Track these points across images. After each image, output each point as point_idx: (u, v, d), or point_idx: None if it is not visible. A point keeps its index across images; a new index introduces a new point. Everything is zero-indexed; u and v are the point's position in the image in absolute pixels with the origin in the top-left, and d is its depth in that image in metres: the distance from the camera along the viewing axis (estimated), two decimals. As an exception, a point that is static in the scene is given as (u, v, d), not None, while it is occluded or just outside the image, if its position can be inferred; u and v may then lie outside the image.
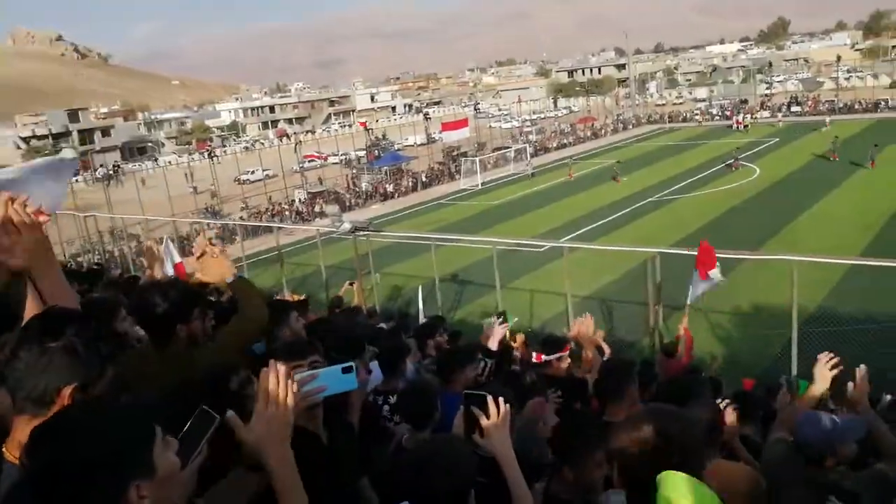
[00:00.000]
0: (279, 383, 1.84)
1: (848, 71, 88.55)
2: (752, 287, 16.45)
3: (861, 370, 3.65)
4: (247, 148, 72.51)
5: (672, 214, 29.01)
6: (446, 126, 51.36)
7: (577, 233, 26.91)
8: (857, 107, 61.52)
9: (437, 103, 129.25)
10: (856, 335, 12.40)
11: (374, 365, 4.36)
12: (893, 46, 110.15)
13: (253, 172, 54.13)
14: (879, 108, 60.19)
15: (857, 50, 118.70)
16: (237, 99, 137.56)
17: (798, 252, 12.44)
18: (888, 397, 7.31)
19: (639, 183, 36.92)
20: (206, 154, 48.05)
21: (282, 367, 1.88)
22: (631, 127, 69.80)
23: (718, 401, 4.10)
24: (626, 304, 15.64)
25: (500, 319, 7.05)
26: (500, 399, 2.47)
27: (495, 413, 2.42)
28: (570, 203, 34.05)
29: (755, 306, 15.63)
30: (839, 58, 77.88)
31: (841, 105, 62.79)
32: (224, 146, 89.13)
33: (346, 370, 2.19)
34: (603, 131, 66.42)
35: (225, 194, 44.96)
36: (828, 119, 52.94)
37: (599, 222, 28.79)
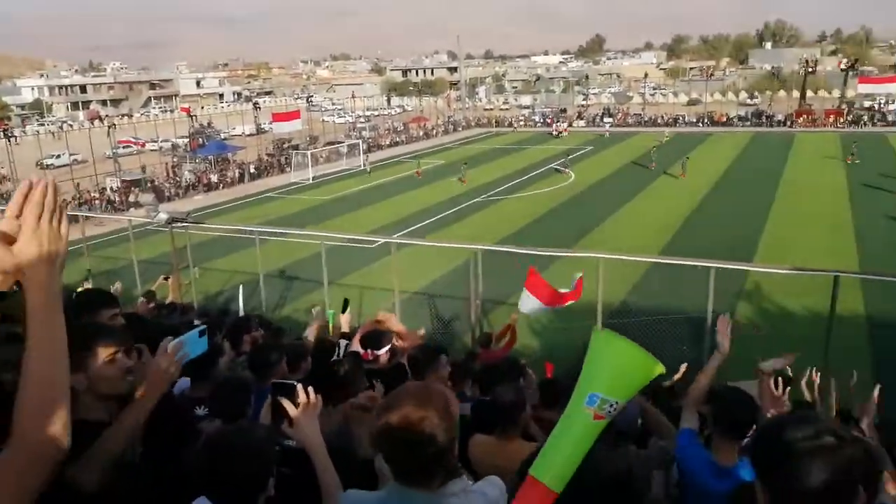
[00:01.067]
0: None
1: (653, 87, 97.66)
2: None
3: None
4: (51, 131, 65.63)
5: (497, 214, 30.34)
6: (277, 117, 49.86)
7: (409, 230, 27.29)
8: (659, 121, 67.98)
9: (269, 93, 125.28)
10: (653, 326, 13.71)
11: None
12: (691, 68, 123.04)
13: (58, 157, 49.21)
14: (678, 122, 66.98)
15: (661, 69, 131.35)
16: (42, 75, 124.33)
17: (605, 250, 13.52)
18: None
19: (467, 183, 38.25)
20: (1, 134, 42.74)
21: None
22: (461, 129, 72.06)
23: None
24: (453, 299, 16.09)
25: (343, 308, 7.01)
26: (310, 389, 2.44)
27: (304, 402, 2.39)
28: (403, 200, 34.48)
29: (568, 301, 16.75)
30: (646, 75, 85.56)
31: (646, 118, 69.06)
32: (24, 126, 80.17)
33: (202, 333, 2.43)
34: (435, 132, 67.94)
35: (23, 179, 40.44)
36: (666, 131, 58.17)
37: (431, 219, 29.43)
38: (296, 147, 50.76)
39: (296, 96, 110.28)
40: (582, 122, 70.57)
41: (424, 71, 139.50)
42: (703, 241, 23.79)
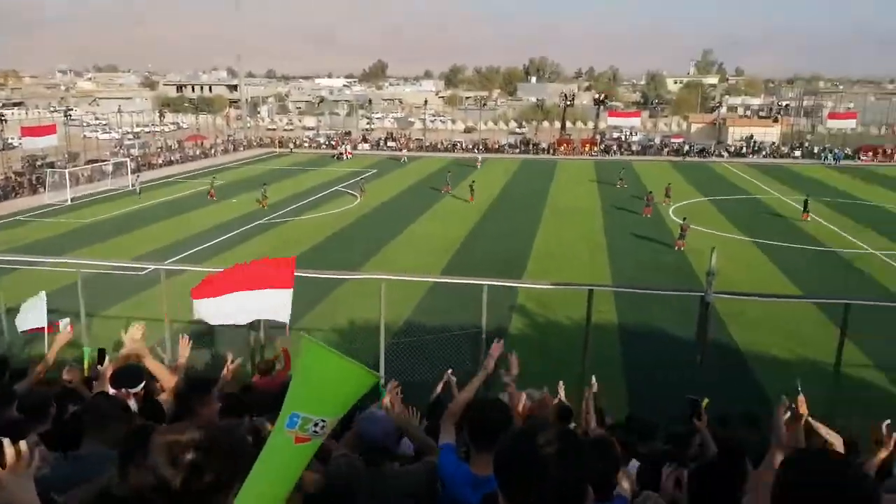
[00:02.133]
0: None
1: (433, 114, 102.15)
2: (352, 305, 17.66)
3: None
4: None
5: (280, 237, 29.61)
6: (27, 131, 44.45)
7: (186, 254, 25.67)
8: (439, 146, 71.17)
9: (18, 104, 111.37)
10: (435, 343, 14.15)
11: None
12: (467, 97, 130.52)
13: None
14: (456, 148, 70.63)
15: (440, 97, 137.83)
16: None
17: (391, 271, 13.77)
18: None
19: (251, 204, 36.95)
20: None
21: None
22: (242, 148, 69.59)
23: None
24: (232, 328, 15.34)
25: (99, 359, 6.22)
26: (22, 443, 2.14)
27: (12, 460, 2.08)
28: (179, 223, 32.36)
29: (352, 322, 16.79)
30: (426, 102, 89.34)
31: (427, 144, 71.93)
32: None
33: None
34: (213, 151, 64.88)
35: None
36: (480, 157, 59.82)
37: (211, 242, 27.94)
38: (51, 165, 45.57)
39: (52, 109, 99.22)
40: (366, 146, 71.64)
41: (202, 87, 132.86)
42: (480, 259, 25.21)
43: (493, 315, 14.09)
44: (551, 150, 67.81)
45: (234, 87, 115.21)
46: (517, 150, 69.27)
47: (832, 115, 74.98)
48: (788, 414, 3.35)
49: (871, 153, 63.13)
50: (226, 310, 9.03)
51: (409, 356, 12.43)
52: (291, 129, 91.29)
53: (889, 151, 63.09)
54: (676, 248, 27.19)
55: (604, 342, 16.40)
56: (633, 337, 17.32)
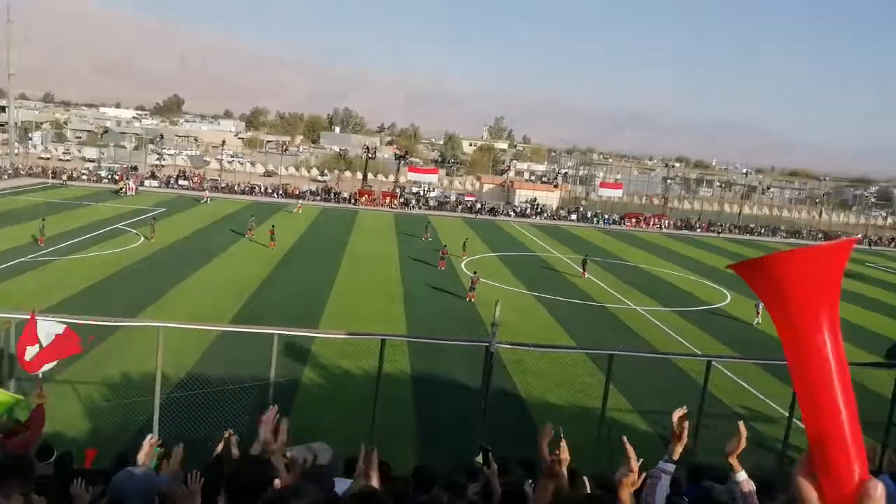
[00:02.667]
0: None
1: (232, 155, 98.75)
2: (126, 355, 16.17)
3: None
4: None
5: (47, 277, 26.52)
6: None
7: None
8: (236, 188, 68.74)
9: None
10: (217, 397, 13.33)
11: None
12: (268, 141, 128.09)
13: None
14: (254, 191, 68.66)
15: (240, 138, 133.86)
16: None
17: (173, 319, 12.83)
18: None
19: (16, 239, 32.74)
20: None
21: None
22: (7, 177, 61.94)
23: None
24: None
25: None
26: None
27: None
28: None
29: (125, 374, 15.35)
30: (224, 142, 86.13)
31: (223, 185, 69.16)
32: None
33: None
34: (-31, 177, 56.96)
35: None
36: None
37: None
38: None
39: None
40: (155, 183, 67.20)
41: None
42: (275, 307, 24.46)
43: (285, 365, 13.66)
44: (353, 200, 68.42)
45: (2, 109, 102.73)
46: (318, 198, 68.98)
47: (603, 185, 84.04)
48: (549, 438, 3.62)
49: (633, 220, 71.46)
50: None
51: (189, 410, 11.58)
52: (68, 160, 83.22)
53: (647, 218, 71.94)
54: (468, 299, 28.47)
55: (397, 391, 16.56)
56: (426, 385, 17.69)
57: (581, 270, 37.21)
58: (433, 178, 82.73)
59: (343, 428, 13.14)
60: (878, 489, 0.97)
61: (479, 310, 26.75)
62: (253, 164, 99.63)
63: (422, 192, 76.38)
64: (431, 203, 72.16)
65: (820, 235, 74.78)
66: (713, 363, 12.96)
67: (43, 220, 35.15)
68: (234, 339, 16.91)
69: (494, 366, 12.33)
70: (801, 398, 1.29)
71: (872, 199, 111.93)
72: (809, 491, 1.04)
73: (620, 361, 13.07)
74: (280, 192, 68.55)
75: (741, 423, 3.53)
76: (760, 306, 29.10)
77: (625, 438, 3.46)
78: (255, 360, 13.79)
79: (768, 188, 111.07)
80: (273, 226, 39.99)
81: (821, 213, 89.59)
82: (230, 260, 33.46)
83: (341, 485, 6.39)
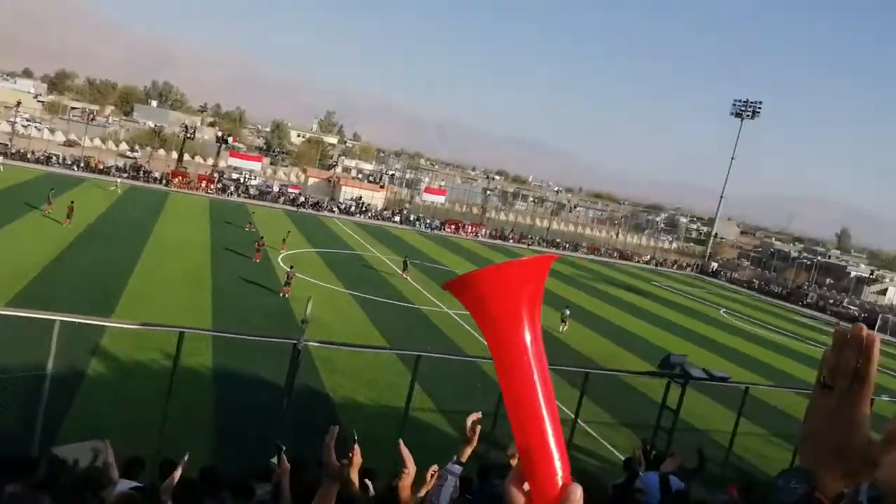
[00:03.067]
0: None
1: (28, 119, 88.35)
2: None
3: None
4: None
5: None
6: None
7: None
8: (29, 156, 61.65)
9: None
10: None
11: None
12: (73, 108, 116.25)
13: None
14: (51, 161, 61.97)
15: (40, 101, 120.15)
16: None
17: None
18: None
19: None
20: None
21: None
22: None
23: None
24: None
25: None
26: None
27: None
28: None
29: None
30: (19, 103, 76.76)
31: (13, 151, 61.74)
32: None
33: None
34: None
35: None
36: (118, 180, 55.69)
37: None
38: None
39: None
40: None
41: None
42: (63, 290, 22.25)
43: (67, 356, 12.45)
44: (164, 181, 64.08)
45: None
46: (125, 175, 63.83)
47: (428, 190, 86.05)
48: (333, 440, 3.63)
49: (453, 226, 73.85)
50: None
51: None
52: None
53: (465, 226, 74.73)
54: (282, 294, 27.77)
55: (196, 387, 15.73)
56: (229, 382, 16.99)
57: (401, 271, 37.81)
58: (256, 165, 79.84)
59: (131, 425, 12.25)
60: (577, 493, 1.08)
61: (293, 306, 26.21)
62: (52, 131, 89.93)
63: (242, 180, 73.39)
64: (252, 192, 69.59)
65: (615, 253, 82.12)
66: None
67: None
68: (4, 326, 15.12)
69: (302, 364, 12.13)
70: (510, 412, 1.36)
71: (661, 225, 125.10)
72: (517, 497, 1.13)
73: (429, 363, 13.44)
74: (82, 164, 62.48)
75: (469, 420, 3.74)
76: (567, 313, 31.61)
77: (401, 442, 3.55)
78: (32, 349, 12.43)
79: (575, 206, 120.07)
80: (72, 201, 36.36)
81: (618, 233, 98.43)
82: (12, 237, 29.92)
83: (122, 486, 5.96)
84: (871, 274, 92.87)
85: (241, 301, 25.97)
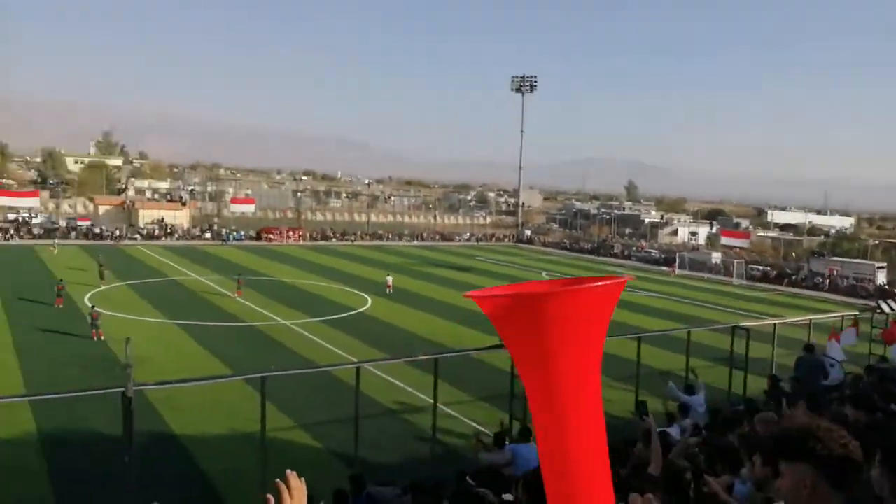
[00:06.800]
0: None
1: None
2: None
3: None
4: None
5: None
6: None
7: None
8: None
9: None
10: None
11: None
12: None
13: None
14: None
15: None
16: None
17: None
18: None
19: None
20: None
21: None
22: None
23: None
24: None
25: None
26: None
27: None
28: None
29: None
30: None
31: None
32: None
33: None
34: None
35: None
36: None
37: None
38: None
39: None
40: None
41: None
42: None
43: None
44: (-77, 235, 55.56)
45: None
46: None
47: (234, 200, 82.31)
48: None
49: (270, 234, 71.33)
50: None
51: None
52: None
53: (283, 232, 72.64)
54: (94, 338, 25.21)
55: (22, 460, 13.92)
56: (60, 445, 15.18)
57: (234, 291, 36.04)
58: (34, 201, 71.52)
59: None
60: None
61: (113, 348, 23.92)
62: None
63: (20, 219, 65.53)
64: (36, 231, 62.40)
65: (437, 237, 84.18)
66: (364, 367, 13.56)
67: None
68: None
69: (138, 411, 11.06)
70: (545, 459, 1.23)
71: (473, 203, 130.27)
72: None
73: (276, 380, 12.83)
74: None
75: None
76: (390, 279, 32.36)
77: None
78: None
79: (390, 197, 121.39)
80: None
81: (435, 216, 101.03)
82: None
83: None
84: (662, 218, 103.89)
85: (52, 355, 23.19)
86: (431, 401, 14.72)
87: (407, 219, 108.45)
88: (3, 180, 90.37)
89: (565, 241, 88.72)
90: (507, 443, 10.51)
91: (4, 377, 20.28)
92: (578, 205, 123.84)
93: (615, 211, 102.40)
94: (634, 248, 77.44)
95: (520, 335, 1.25)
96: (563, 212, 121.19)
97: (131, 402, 10.32)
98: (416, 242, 79.25)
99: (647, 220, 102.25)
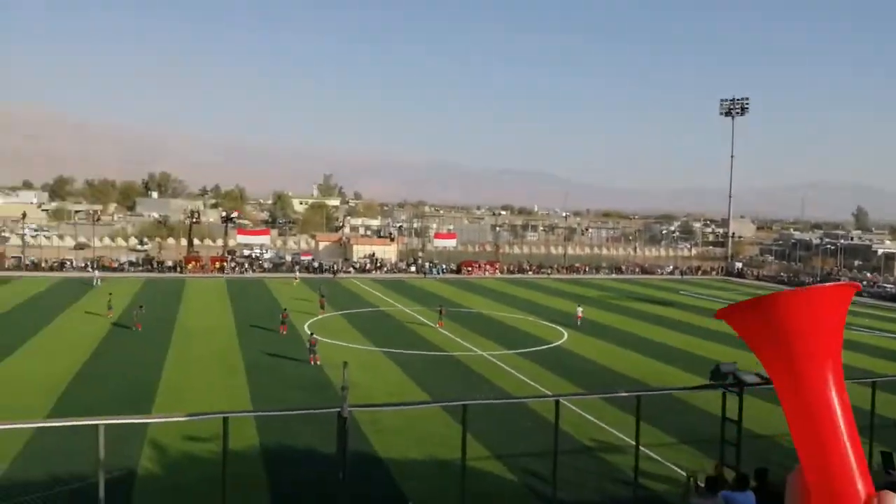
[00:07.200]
0: None
1: (35, 229, 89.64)
2: None
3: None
4: None
5: None
6: None
7: None
8: (42, 264, 62.28)
9: None
10: (45, 501, 11.69)
11: None
12: (76, 211, 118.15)
13: None
14: (65, 267, 62.57)
15: (44, 210, 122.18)
16: None
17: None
18: None
19: None
20: None
21: None
22: None
23: None
24: None
25: None
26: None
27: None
28: None
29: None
30: (25, 214, 77.97)
31: (28, 262, 62.47)
32: None
33: None
34: None
35: None
36: (97, 274, 55.08)
37: None
38: None
39: None
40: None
41: None
42: (98, 395, 22.01)
43: (117, 457, 12.20)
44: (178, 268, 64.46)
45: None
46: (140, 268, 64.31)
47: (438, 235, 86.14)
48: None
49: (469, 267, 73.50)
50: None
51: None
52: None
53: (482, 265, 74.44)
54: (311, 362, 27.43)
55: (248, 469, 15.38)
56: (279, 460, 16.63)
57: (437, 321, 37.82)
58: (265, 238, 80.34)
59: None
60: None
61: (328, 372, 25.88)
62: (61, 237, 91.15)
63: (253, 255, 73.78)
64: (266, 265, 69.85)
65: (637, 269, 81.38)
66: (561, 401, 13.30)
67: None
68: (55, 435, 14.93)
69: (349, 430, 11.79)
70: (804, 452, 1.32)
71: (677, 234, 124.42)
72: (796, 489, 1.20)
73: (475, 409, 13.03)
74: (96, 265, 63.07)
75: None
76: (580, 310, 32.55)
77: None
78: (83, 456, 12.18)
79: (587, 229, 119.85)
80: (110, 293, 36.77)
81: (635, 248, 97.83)
82: (34, 350, 29.90)
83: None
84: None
85: (275, 376, 25.65)
86: (629, 440, 14.12)
87: (605, 251, 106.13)
88: (241, 220, 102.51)
89: (782, 274, 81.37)
90: (720, 489, 9.73)
91: (236, 394, 22.75)
92: (797, 234, 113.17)
93: (841, 241, 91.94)
94: (866, 283, 68.91)
95: (765, 338, 1.47)
96: (780, 242, 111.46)
97: (346, 423, 11.05)
98: (614, 275, 77.18)
99: (880, 251, 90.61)
